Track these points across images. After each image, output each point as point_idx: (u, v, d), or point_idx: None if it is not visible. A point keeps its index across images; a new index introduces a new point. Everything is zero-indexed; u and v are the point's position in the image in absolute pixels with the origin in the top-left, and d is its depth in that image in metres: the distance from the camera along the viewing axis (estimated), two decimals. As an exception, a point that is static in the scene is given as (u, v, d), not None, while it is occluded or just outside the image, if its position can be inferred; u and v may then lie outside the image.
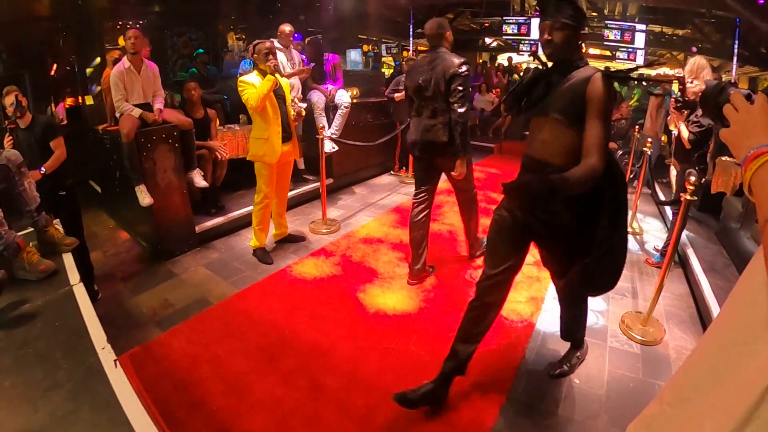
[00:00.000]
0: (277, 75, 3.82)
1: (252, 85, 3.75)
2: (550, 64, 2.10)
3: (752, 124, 0.86)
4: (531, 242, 2.43)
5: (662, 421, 0.98)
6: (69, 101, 7.03)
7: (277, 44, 5.32)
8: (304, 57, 5.84)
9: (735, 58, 9.51)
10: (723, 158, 4.43)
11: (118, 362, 1.74)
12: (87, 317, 2.04)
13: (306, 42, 6.62)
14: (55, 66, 7.06)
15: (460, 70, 3.40)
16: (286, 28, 5.45)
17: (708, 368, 0.88)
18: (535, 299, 3.61)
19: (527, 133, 2.29)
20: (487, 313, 2.44)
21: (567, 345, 2.85)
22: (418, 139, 3.59)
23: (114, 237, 4.98)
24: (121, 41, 4.29)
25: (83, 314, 2.06)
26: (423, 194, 3.85)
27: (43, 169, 3.30)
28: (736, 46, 9.35)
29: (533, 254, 4.25)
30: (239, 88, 3.79)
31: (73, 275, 2.46)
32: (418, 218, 3.78)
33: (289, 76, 4.25)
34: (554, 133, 2.05)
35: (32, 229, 2.68)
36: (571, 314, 2.76)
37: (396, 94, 6.73)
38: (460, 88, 3.38)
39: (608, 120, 1.93)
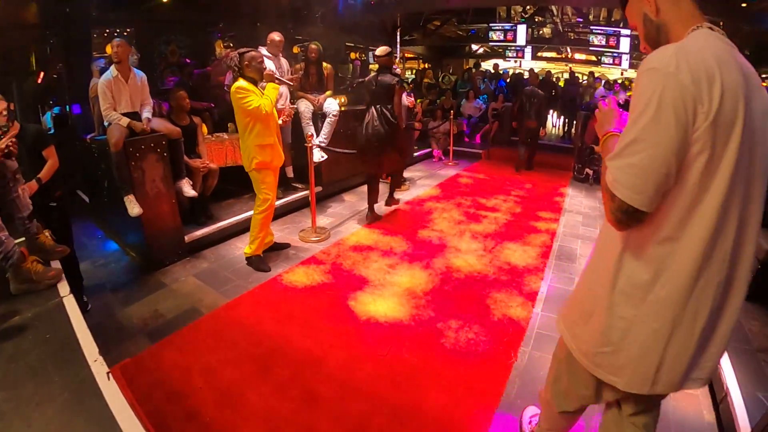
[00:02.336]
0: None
1: (253, 92, 3.76)
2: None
3: (606, 119, 1.48)
4: None
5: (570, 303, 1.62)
6: (56, 110, 6.97)
7: (266, 52, 5.34)
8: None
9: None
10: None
11: (110, 374, 1.73)
12: (78, 329, 2.03)
13: (301, 49, 6.65)
14: (42, 74, 7.00)
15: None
16: (276, 36, 5.45)
17: (591, 266, 1.53)
18: (526, 303, 3.63)
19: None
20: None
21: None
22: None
23: (103, 247, 4.93)
24: (108, 49, 4.27)
25: (74, 326, 2.06)
26: None
27: (39, 178, 3.27)
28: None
29: (524, 259, 4.29)
30: (239, 95, 3.72)
31: (63, 287, 2.45)
32: None
33: (279, 84, 4.24)
34: None
35: (23, 238, 2.66)
36: None
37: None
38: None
39: None
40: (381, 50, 5.21)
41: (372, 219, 5.53)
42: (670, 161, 1.10)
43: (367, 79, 5.36)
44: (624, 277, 1.31)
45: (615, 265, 1.33)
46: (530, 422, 2.31)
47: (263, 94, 3.85)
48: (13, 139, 2.57)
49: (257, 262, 4.23)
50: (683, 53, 1.11)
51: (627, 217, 1.18)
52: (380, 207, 6.02)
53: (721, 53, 1.14)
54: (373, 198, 5.53)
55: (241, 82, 3.76)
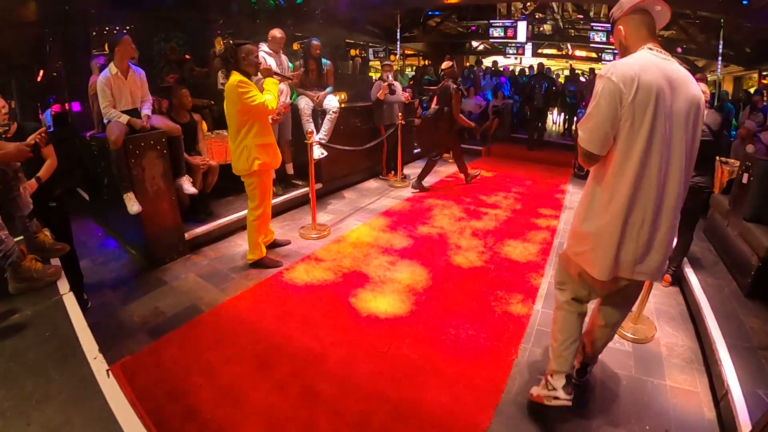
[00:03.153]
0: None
1: (254, 87, 3.63)
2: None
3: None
4: None
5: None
6: (55, 108, 6.96)
7: (267, 49, 5.33)
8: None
9: (719, 58, 9.64)
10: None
11: (110, 372, 1.73)
12: (77, 327, 2.03)
13: (301, 46, 6.65)
14: (41, 72, 6.99)
15: None
16: (277, 33, 5.41)
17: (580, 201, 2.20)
18: (527, 300, 3.63)
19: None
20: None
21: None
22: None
23: (103, 245, 4.93)
24: (107, 47, 4.26)
25: (74, 324, 2.05)
26: None
27: (38, 177, 3.26)
28: (720, 46, 9.48)
29: (524, 256, 4.29)
30: (241, 90, 3.54)
31: (63, 284, 2.44)
32: None
33: (280, 80, 4.21)
34: None
35: (21, 236, 2.65)
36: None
37: (377, 93, 6.83)
38: None
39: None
40: (445, 65, 6.73)
41: (420, 189, 6.83)
42: (606, 126, 1.85)
43: (438, 86, 6.91)
44: (594, 200, 2.05)
45: (589, 193, 2.09)
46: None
47: (263, 90, 3.73)
48: (43, 135, 2.57)
49: (265, 262, 4.20)
50: (616, 65, 1.84)
51: (588, 158, 1.99)
52: (379, 203, 6.01)
53: (645, 63, 1.82)
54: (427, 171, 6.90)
55: (239, 76, 3.60)
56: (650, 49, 1.89)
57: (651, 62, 1.82)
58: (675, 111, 1.82)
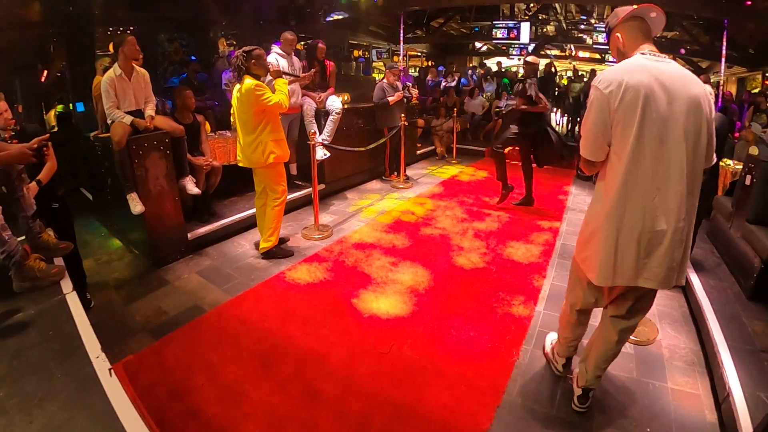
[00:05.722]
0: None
1: (268, 89, 3.88)
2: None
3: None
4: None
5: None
6: (59, 108, 6.99)
7: (279, 50, 5.41)
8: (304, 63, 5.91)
9: (723, 59, 9.61)
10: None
11: (112, 371, 1.74)
12: (80, 326, 2.04)
13: (304, 47, 6.68)
14: (45, 72, 7.02)
15: None
16: (289, 35, 5.52)
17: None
18: (528, 302, 3.63)
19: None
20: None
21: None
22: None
23: (106, 245, 4.94)
24: (111, 48, 4.28)
25: (77, 323, 2.06)
26: None
27: (39, 180, 3.27)
28: (724, 48, 9.45)
29: (526, 257, 4.29)
30: (258, 92, 3.79)
31: (66, 284, 2.46)
32: None
33: (290, 82, 4.31)
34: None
35: (24, 236, 2.66)
36: (530, 177, 6.00)
37: (390, 98, 6.78)
38: None
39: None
40: (531, 58, 5.95)
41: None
42: (597, 131, 1.94)
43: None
44: (594, 202, 2.12)
45: (593, 197, 2.15)
46: (551, 343, 2.91)
47: (274, 90, 3.96)
48: (47, 143, 2.57)
49: (278, 252, 4.34)
50: (605, 73, 1.92)
51: (587, 163, 2.08)
52: (382, 204, 6.02)
53: (632, 67, 1.88)
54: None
55: (254, 80, 3.84)
56: (643, 54, 1.94)
57: (639, 65, 1.88)
58: (673, 111, 1.83)
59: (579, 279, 2.33)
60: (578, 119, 11.04)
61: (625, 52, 2.03)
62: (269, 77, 4.14)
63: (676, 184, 1.87)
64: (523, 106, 5.51)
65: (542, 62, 12.20)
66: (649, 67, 1.85)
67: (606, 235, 1.98)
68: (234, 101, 4.04)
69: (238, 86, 3.94)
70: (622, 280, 2.01)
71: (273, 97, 3.86)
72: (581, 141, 2.02)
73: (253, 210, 4.49)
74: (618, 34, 2.07)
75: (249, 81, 3.83)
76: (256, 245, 4.52)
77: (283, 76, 4.14)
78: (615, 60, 2.12)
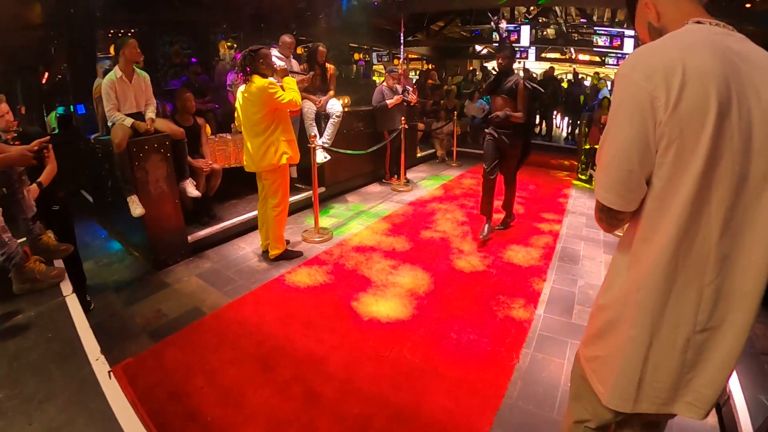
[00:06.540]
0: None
1: (280, 88, 3.86)
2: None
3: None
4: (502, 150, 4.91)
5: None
6: (60, 110, 6.99)
7: (278, 53, 5.42)
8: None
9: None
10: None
11: (112, 373, 1.74)
12: (80, 328, 2.04)
13: (305, 50, 6.70)
14: (46, 74, 7.03)
15: None
16: (287, 38, 5.55)
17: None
18: (529, 305, 3.62)
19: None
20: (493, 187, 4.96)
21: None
22: None
23: (106, 247, 4.95)
24: (112, 50, 4.29)
25: (76, 325, 2.06)
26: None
27: (40, 183, 3.28)
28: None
29: (526, 260, 4.28)
30: (271, 90, 3.77)
31: (66, 286, 2.46)
32: None
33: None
34: (504, 101, 4.66)
35: (24, 238, 2.67)
36: (511, 193, 5.32)
37: (389, 101, 6.78)
38: None
39: (528, 99, 4.58)
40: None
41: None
42: (631, 158, 1.08)
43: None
44: (612, 280, 1.31)
45: (610, 267, 1.35)
46: None
47: (284, 89, 3.94)
48: (48, 145, 2.57)
49: (287, 254, 4.37)
50: (640, 52, 1.10)
51: (606, 216, 1.20)
52: (382, 207, 6.02)
53: (693, 41, 1.06)
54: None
55: (263, 79, 3.81)
56: (699, 22, 1.12)
57: (703, 40, 1.06)
58: (757, 120, 1.03)
59: (583, 378, 1.42)
60: (578, 121, 10.97)
61: (663, 27, 1.21)
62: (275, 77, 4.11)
63: (758, 249, 1.08)
64: (501, 112, 4.55)
65: (542, 66, 12.27)
66: (719, 44, 1.05)
67: (633, 335, 1.19)
68: (239, 103, 4.00)
69: (243, 87, 3.91)
70: (648, 404, 1.24)
71: (285, 95, 3.83)
72: (597, 175, 1.21)
73: (254, 213, 4.50)
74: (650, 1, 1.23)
75: (260, 80, 3.79)
76: (262, 253, 4.51)
77: (290, 74, 4.13)
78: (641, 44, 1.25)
